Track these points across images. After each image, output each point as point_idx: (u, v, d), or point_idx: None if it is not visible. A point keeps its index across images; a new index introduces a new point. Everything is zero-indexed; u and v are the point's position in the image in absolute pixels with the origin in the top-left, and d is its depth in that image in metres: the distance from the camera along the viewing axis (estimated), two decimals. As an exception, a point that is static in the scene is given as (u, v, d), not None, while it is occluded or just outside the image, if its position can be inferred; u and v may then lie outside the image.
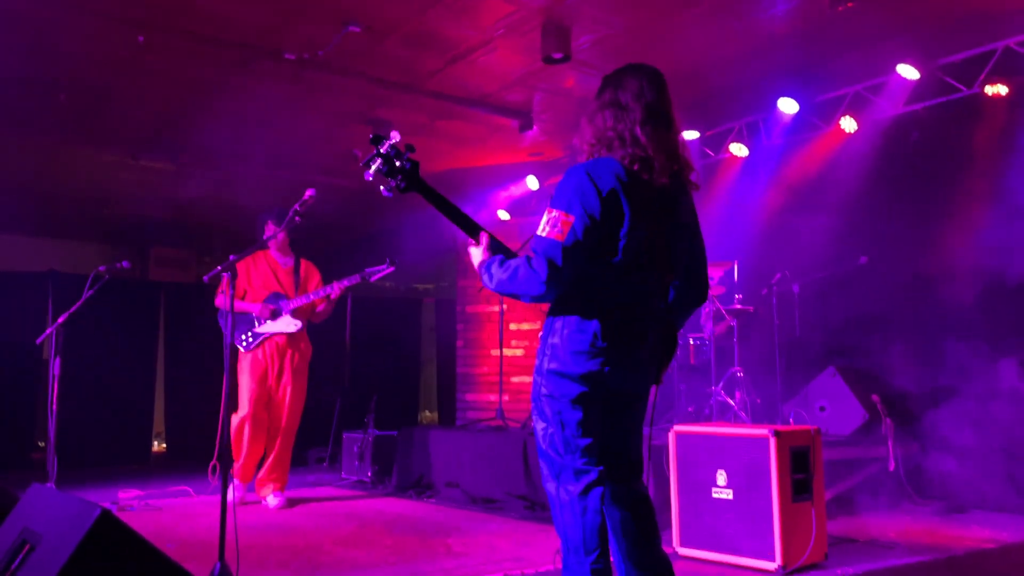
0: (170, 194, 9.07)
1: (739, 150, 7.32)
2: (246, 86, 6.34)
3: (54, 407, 5.46)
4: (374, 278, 5.52)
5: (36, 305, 8.02)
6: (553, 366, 2.53)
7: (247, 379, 5.71)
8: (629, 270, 2.50)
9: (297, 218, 3.73)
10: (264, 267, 5.88)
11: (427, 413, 11.86)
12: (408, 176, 2.63)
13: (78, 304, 5.49)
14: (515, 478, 5.56)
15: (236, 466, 5.68)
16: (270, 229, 5.71)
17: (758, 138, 7.18)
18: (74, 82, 6.18)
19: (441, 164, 8.18)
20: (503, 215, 8.80)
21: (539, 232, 2.46)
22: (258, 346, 5.73)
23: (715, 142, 7.57)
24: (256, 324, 5.72)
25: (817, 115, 6.83)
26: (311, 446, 8.63)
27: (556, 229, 2.41)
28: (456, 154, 8.02)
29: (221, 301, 5.75)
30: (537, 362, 2.60)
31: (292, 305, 5.71)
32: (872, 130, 6.56)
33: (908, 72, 6.05)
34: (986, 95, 5.85)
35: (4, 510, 2.60)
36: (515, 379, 8.32)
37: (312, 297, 5.69)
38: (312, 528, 4.92)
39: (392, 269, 5.49)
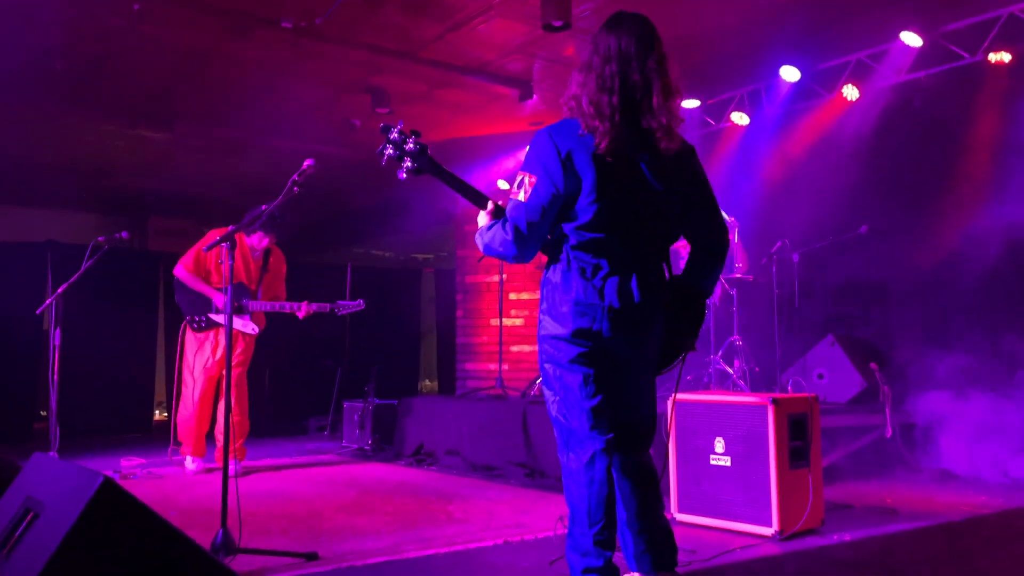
0: (168, 164, 9.03)
1: (740, 119, 7.27)
2: (243, 55, 6.29)
3: (55, 377, 5.48)
4: (341, 312, 5.60)
5: (35, 276, 8.01)
6: (545, 331, 2.60)
7: (192, 357, 5.70)
8: (608, 224, 2.51)
9: (295, 188, 3.71)
10: (235, 252, 5.79)
11: (427, 382, 11.91)
12: (416, 157, 2.77)
13: (77, 275, 5.49)
14: (515, 446, 5.60)
15: (187, 445, 5.72)
16: (257, 236, 5.63)
17: (759, 107, 7.13)
18: (69, 50, 6.12)
19: (440, 133, 8.12)
20: (503, 185, 8.76)
21: (511, 195, 2.59)
22: (208, 329, 5.68)
23: (716, 111, 7.52)
24: (213, 310, 5.65)
25: (819, 83, 6.78)
26: (311, 415, 8.68)
27: (521, 189, 2.54)
28: (455, 123, 7.96)
29: (180, 271, 5.66)
30: (538, 329, 2.65)
31: (255, 308, 5.61)
32: (874, 98, 6.51)
33: (911, 39, 5.99)
34: (989, 62, 5.79)
35: (7, 479, 2.62)
36: (514, 348, 8.34)
37: (276, 308, 5.60)
38: (313, 496, 4.96)
39: (363, 307, 5.64)
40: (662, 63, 2.53)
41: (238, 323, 5.60)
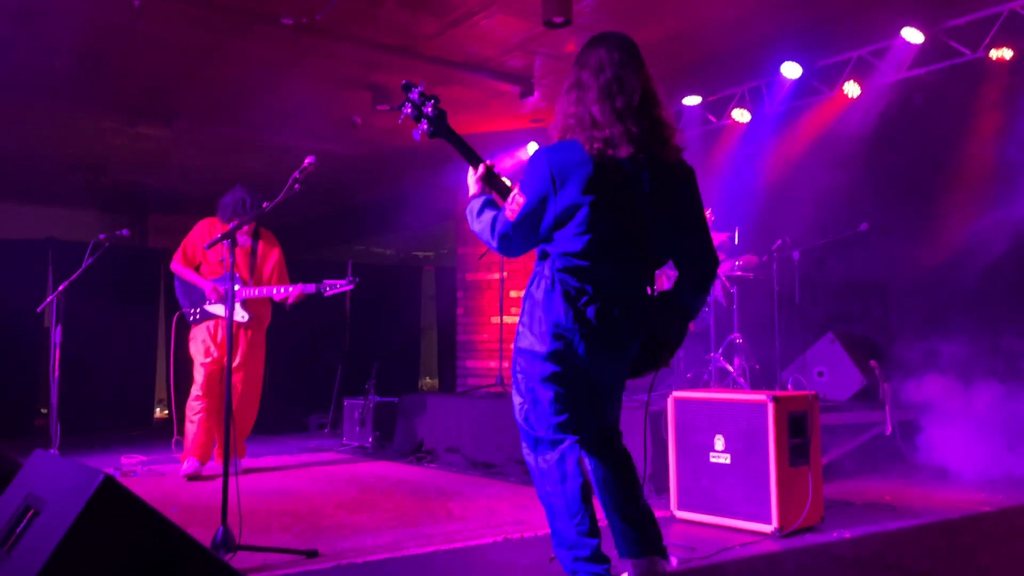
0: (168, 161, 9.03)
1: (741, 116, 7.27)
2: (243, 52, 6.28)
3: (56, 374, 5.48)
4: (329, 292, 5.42)
5: (36, 273, 8.02)
6: (523, 344, 2.62)
7: (197, 354, 5.60)
8: (596, 253, 2.51)
9: (296, 186, 3.70)
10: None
11: (428, 380, 11.92)
12: (433, 121, 2.81)
13: (78, 272, 5.49)
14: (515, 443, 5.56)
15: (188, 443, 5.54)
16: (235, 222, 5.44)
17: (760, 103, 7.12)
18: (69, 48, 6.11)
19: (440, 130, 8.10)
20: (504, 182, 8.75)
21: (504, 204, 2.63)
22: (205, 320, 5.61)
23: (717, 108, 7.51)
24: (206, 301, 5.60)
25: (820, 80, 6.77)
26: (312, 412, 8.69)
27: (511, 207, 2.56)
28: (456, 120, 7.77)
29: (174, 266, 5.64)
30: (515, 337, 2.67)
31: (243, 295, 5.49)
32: (875, 95, 6.50)
33: (912, 36, 5.98)
34: (990, 59, 5.79)
35: (7, 476, 2.62)
36: (515, 346, 8.34)
37: (265, 293, 5.48)
38: (314, 493, 4.97)
39: (351, 287, 5.44)
40: (649, 75, 2.56)
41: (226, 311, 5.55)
